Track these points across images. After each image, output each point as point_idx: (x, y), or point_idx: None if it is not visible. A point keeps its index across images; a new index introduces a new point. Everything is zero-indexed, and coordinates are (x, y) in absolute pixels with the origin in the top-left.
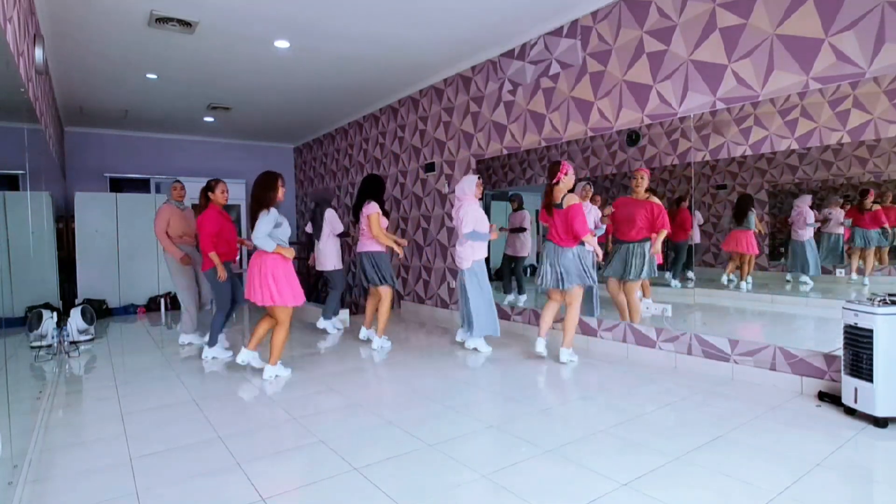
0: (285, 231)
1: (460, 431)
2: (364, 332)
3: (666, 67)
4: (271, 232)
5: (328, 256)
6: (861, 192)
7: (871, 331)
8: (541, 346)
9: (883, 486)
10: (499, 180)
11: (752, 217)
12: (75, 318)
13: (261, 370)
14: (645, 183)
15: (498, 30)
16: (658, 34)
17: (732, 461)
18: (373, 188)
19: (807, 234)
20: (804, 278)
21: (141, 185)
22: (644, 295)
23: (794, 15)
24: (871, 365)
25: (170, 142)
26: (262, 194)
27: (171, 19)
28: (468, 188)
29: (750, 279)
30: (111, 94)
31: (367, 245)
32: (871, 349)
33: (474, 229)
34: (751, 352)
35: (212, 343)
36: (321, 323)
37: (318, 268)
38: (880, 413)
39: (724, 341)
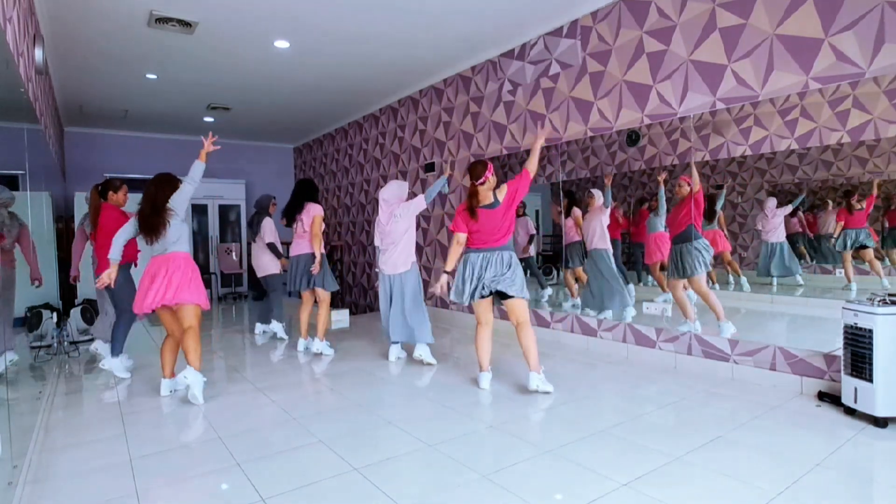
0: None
1: (460, 431)
2: (303, 343)
3: (666, 67)
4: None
5: (266, 262)
6: (846, 193)
7: (870, 331)
8: (486, 382)
9: (883, 486)
10: (498, 181)
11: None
12: (75, 319)
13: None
14: (684, 189)
15: (498, 30)
16: (658, 34)
17: (732, 461)
18: (311, 191)
19: (779, 235)
20: (798, 279)
21: (141, 185)
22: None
23: (793, 15)
24: (871, 365)
25: (170, 142)
26: (160, 195)
27: (170, 19)
28: (400, 193)
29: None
30: (111, 94)
31: (304, 247)
32: (871, 349)
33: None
34: (751, 352)
35: (116, 353)
36: (274, 326)
37: (259, 273)
38: (880, 413)
39: (724, 341)
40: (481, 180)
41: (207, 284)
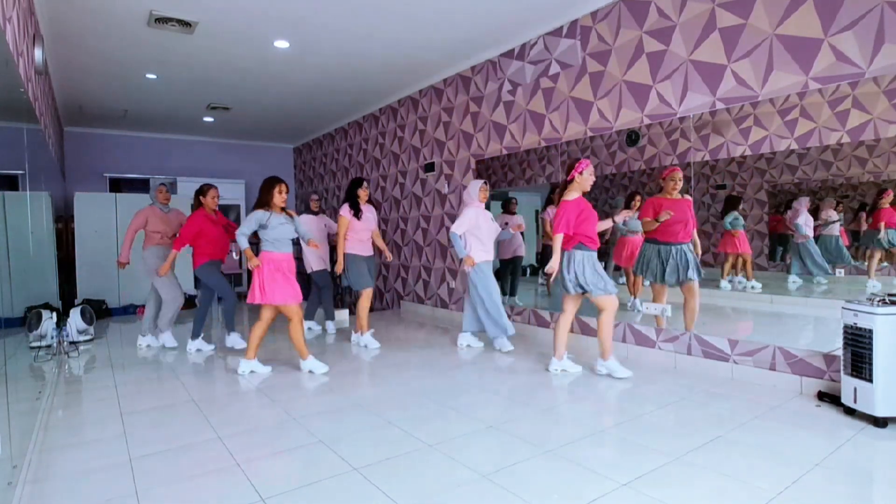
0: (274, 232)
1: (460, 431)
2: (354, 337)
3: (665, 67)
4: (260, 232)
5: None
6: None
7: (870, 331)
8: (555, 365)
9: (883, 486)
10: (498, 180)
11: (739, 218)
12: (75, 319)
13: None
14: (679, 185)
15: (497, 30)
16: (658, 34)
17: (732, 461)
18: (347, 191)
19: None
20: (819, 279)
21: (140, 185)
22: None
23: (793, 15)
24: (871, 365)
25: (169, 142)
26: (258, 197)
27: (170, 19)
28: (473, 192)
29: (755, 281)
30: (111, 94)
31: (349, 247)
32: (871, 349)
33: (457, 233)
34: (750, 352)
35: (195, 335)
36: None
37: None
38: (880, 413)
39: (724, 341)
40: (569, 177)
41: None
